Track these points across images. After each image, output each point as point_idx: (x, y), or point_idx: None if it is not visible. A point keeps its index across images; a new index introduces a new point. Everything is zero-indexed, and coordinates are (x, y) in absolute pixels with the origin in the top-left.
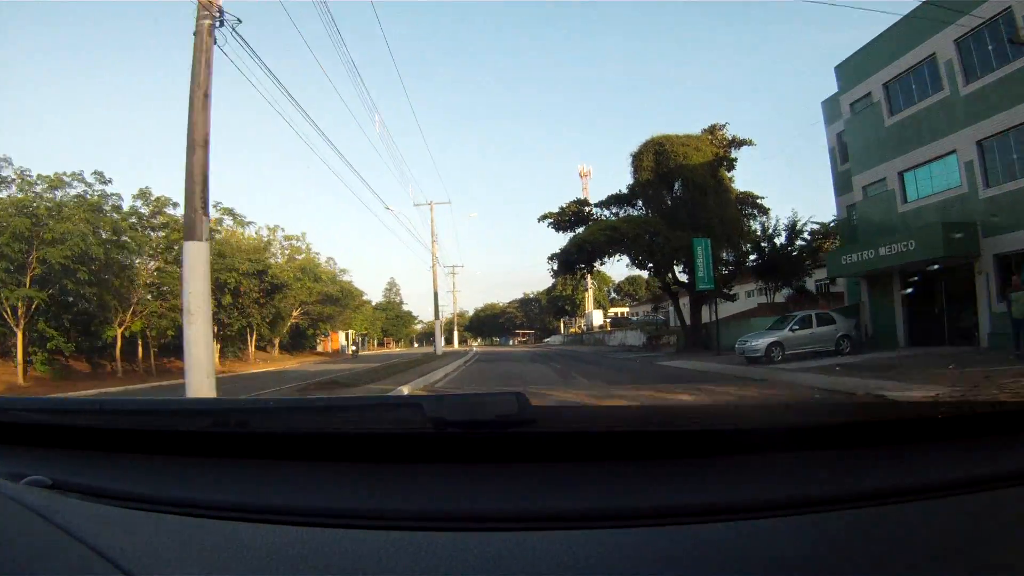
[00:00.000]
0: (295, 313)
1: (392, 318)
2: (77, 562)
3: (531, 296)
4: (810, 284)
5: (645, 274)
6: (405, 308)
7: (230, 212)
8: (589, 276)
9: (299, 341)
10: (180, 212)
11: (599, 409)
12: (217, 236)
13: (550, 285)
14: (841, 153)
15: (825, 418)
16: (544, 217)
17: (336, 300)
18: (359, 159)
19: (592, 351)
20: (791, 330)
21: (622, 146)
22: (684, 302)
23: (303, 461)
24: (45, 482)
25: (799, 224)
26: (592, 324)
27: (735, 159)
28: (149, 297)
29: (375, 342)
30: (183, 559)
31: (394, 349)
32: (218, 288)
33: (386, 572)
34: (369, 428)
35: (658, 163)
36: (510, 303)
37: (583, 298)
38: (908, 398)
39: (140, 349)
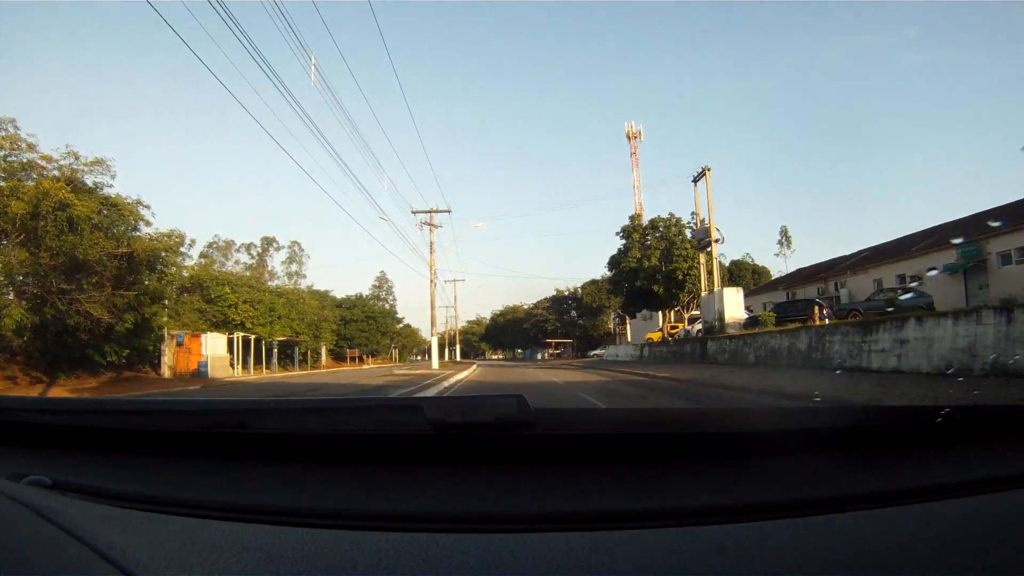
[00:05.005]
0: None
1: (360, 320)
2: (77, 562)
3: (566, 293)
4: None
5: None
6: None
7: None
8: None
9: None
10: None
11: (599, 412)
12: None
13: (616, 250)
14: None
15: (826, 422)
16: None
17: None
18: None
19: None
20: None
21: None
22: None
23: (303, 462)
24: (45, 482)
25: None
26: (722, 315)
27: None
28: None
29: (326, 354)
30: (183, 559)
31: (366, 365)
32: None
33: (387, 573)
34: (369, 429)
35: None
36: (537, 303)
37: (692, 268)
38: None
39: None
